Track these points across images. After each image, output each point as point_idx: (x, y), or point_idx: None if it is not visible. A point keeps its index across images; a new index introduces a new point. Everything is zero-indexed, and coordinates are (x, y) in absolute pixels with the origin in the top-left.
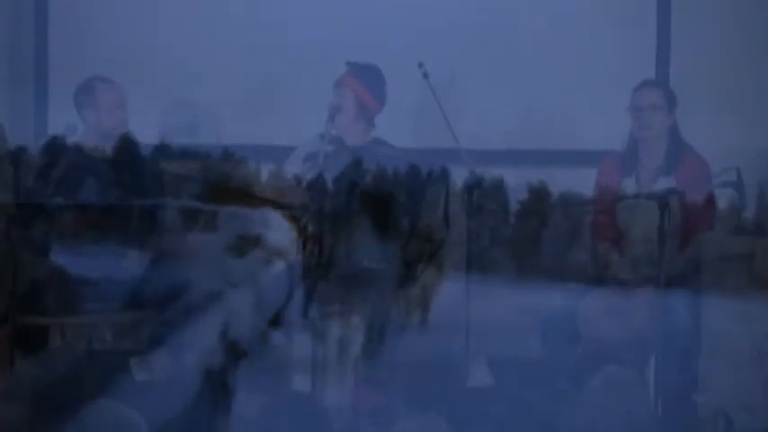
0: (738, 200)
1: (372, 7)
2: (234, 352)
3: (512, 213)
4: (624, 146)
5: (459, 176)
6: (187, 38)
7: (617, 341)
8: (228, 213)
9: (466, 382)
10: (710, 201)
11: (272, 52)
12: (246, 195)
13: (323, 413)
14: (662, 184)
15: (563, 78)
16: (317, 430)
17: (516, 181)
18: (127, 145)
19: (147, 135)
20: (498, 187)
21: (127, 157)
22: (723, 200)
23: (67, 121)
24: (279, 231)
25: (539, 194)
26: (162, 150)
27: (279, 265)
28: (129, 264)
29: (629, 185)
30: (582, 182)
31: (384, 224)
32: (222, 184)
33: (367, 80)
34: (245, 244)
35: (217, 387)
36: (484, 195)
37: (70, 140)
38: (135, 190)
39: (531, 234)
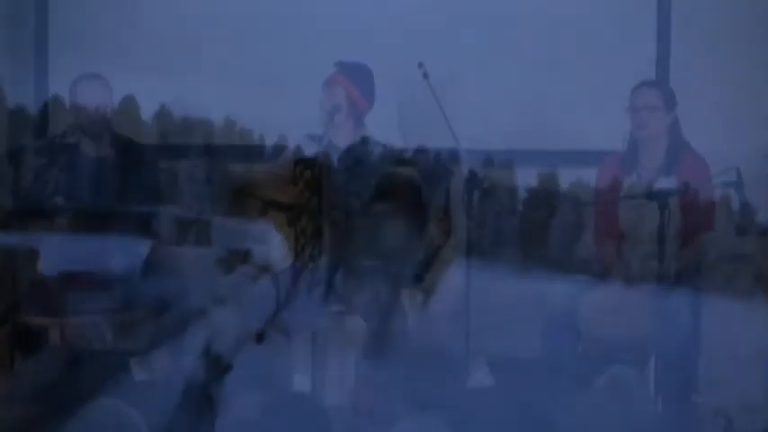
0: (738, 200)
1: (372, 7)
2: (217, 366)
3: (516, 209)
4: (624, 146)
5: (459, 176)
6: (184, 37)
7: (617, 341)
8: (222, 225)
9: (466, 382)
10: (711, 200)
11: (270, 52)
12: (247, 195)
13: (323, 413)
14: (662, 183)
15: (563, 78)
16: (317, 430)
17: (517, 181)
18: (125, 144)
19: (146, 135)
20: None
21: (125, 156)
22: (723, 200)
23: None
24: (270, 245)
25: (543, 190)
26: (161, 150)
27: (266, 279)
28: (116, 263)
29: (630, 185)
30: (582, 182)
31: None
32: (222, 184)
33: (357, 78)
34: (235, 259)
35: (200, 400)
36: (488, 192)
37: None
38: (133, 189)
39: (535, 228)
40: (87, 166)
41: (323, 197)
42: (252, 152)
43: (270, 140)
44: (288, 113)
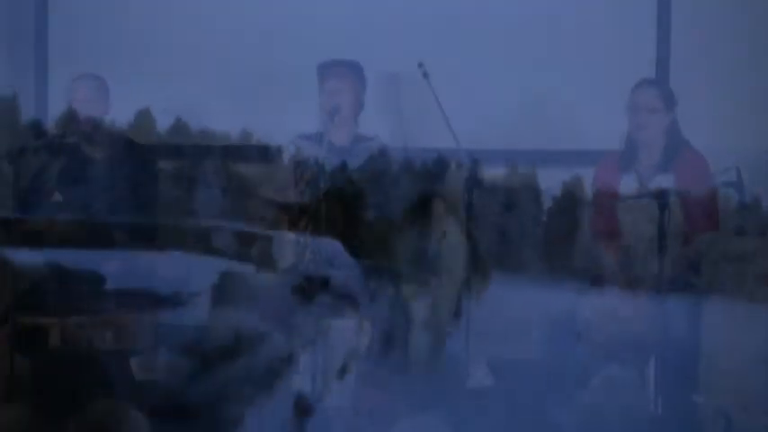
0: (738, 200)
1: (372, 7)
2: (301, 409)
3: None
4: (622, 145)
5: (459, 176)
6: (181, 36)
7: (617, 341)
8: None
9: (466, 382)
10: (712, 199)
11: (269, 52)
12: (250, 196)
13: (323, 413)
14: (661, 181)
15: (563, 78)
16: (317, 430)
17: (517, 181)
18: (124, 144)
19: (143, 134)
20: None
21: (124, 156)
22: (723, 200)
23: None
24: (344, 268)
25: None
26: (160, 149)
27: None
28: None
29: (629, 184)
30: (582, 182)
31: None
32: (223, 183)
33: (355, 77)
34: (313, 287)
35: None
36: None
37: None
38: (132, 189)
39: (535, 232)
40: (86, 166)
41: (324, 199)
42: (251, 153)
43: (268, 141)
44: (286, 114)
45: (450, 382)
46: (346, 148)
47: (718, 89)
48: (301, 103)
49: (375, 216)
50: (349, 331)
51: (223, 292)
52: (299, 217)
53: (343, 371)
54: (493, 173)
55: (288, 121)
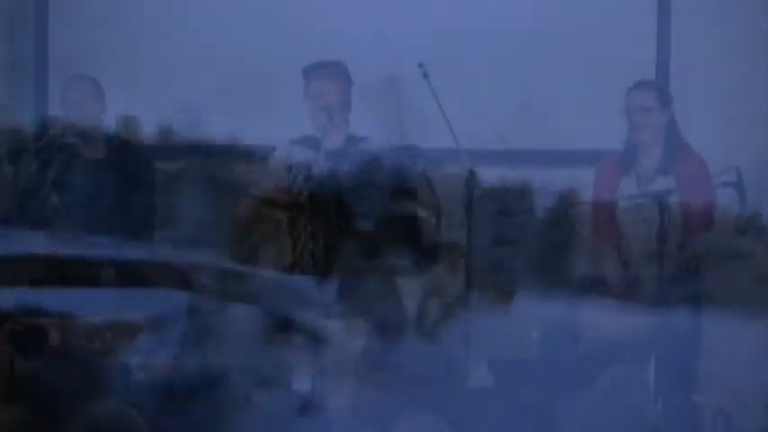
0: (738, 200)
1: (372, 7)
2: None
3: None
4: (622, 146)
5: (458, 176)
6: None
7: (617, 341)
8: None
9: (466, 382)
10: (711, 199)
11: (268, 52)
12: (247, 195)
13: (323, 413)
14: (661, 182)
15: (563, 78)
16: (317, 430)
17: (517, 181)
18: (121, 145)
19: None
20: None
21: (121, 157)
22: (723, 200)
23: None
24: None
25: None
26: (157, 150)
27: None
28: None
29: (628, 185)
30: (581, 182)
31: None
32: (223, 183)
33: (342, 78)
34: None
35: None
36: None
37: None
38: (130, 190)
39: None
40: (83, 167)
41: (319, 200)
42: (247, 154)
43: (265, 143)
44: (281, 116)
45: (450, 382)
46: (340, 150)
47: (718, 89)
48: (298, 106)
49: (367, 216)
50: (345, 331)
51: (193, 327)
52: (290, 219)
53: (342, 371)
54: (492, 173)
55: (284, 124)
